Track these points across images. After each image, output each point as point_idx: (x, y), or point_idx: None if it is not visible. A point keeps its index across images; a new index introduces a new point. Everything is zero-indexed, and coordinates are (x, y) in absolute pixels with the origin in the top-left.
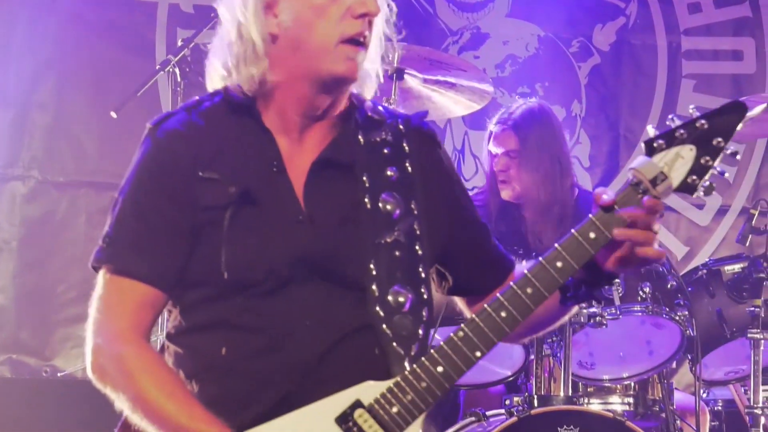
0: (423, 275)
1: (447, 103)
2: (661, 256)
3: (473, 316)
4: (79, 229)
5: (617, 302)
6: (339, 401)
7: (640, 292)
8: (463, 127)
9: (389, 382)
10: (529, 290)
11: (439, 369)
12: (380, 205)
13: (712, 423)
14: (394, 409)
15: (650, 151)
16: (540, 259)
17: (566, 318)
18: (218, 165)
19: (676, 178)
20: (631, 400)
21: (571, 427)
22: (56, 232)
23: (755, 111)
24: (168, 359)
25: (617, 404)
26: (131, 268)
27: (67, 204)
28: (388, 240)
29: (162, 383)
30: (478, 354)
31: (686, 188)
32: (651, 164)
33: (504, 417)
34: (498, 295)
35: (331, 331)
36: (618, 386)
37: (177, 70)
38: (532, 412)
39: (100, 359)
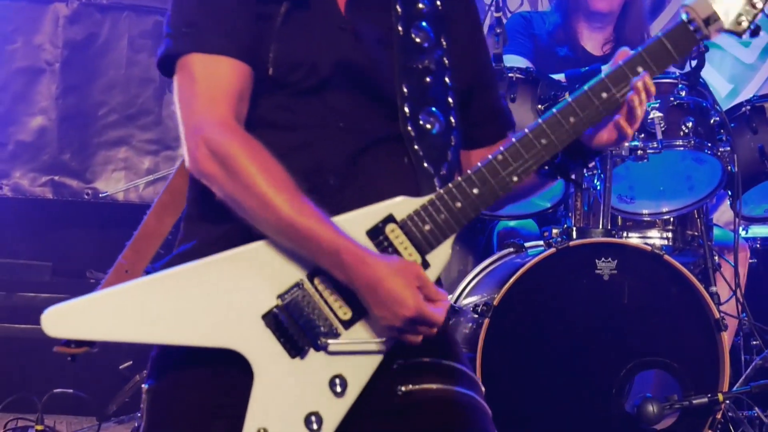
0: (452, 103)
1: None
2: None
3: (513, 140)
4: (121, 52)
5: (659, 136)
6: (371, 214)
7: (683, 127)
8: None
9: (423, 200)
10: (572, 118)
11: (475, 191)
12: (412, 34)
13: (751, 261)
14: (427, 227)
15: None
16: (553, 110)
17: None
18: None
19: (726, 19)
20: (669, 234)
21: (609, 259)
22: (98, 55)
23: None
24: None
25: (656, 238)
26: (223, 45)
27: (110, 26)
28: (419, 66)
29: (274, 179)
30: (515, 179)
31: (735, 29)
32: (705, 3)
33: (542, 248)
34: (539, 120)
35: (363, 135)
36: (657, 221)
37: None
38: (571, 243)
39: (206, 150)
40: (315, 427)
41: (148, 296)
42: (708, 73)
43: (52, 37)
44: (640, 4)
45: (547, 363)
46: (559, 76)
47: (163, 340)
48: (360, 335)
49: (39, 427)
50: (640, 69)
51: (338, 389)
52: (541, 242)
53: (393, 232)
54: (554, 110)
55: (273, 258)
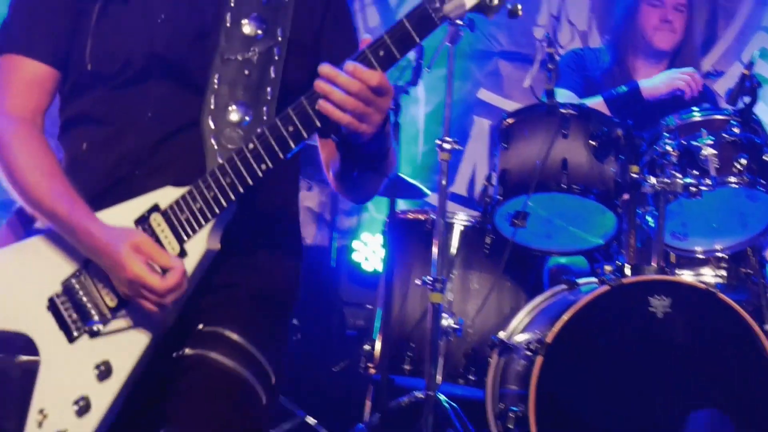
0: (269, 97)
1: None
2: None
3: (263, 127)
4: None
5: (712, 173)
6: (140, 204)
7: (736, 164)
8: None
9: (184, 189)
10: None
11: (227, 179)
12: (242, 25)
13: None
14: (184, 216)
15: None
16: (302, 98)
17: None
18: None
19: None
20: (723, 272)
21: (663, 297)
22: None
23: None
24: None
25: (709, 276)
26: (26, 46)
27: None
28: (239, 58)
29: (34, 164)
30: (263, 167)
31: (483, 8)
32: None
33: (595, 285)
34: (288, 109)
35: (168, 125)
36: (710, 258)
37: None
38: (624, 281)
39: None
40: (82, 410)
41: None
42: (761, 110)
43: None
44: (695, 39)
45: (601, 401)
46: (596, 99)
47: None
48: (124, 322)
49: None
50: (381, 53)
51: (103, 374)
52: (594, 279)
53: (155, 220)
54: (303, 98)
55: (60, 246)
